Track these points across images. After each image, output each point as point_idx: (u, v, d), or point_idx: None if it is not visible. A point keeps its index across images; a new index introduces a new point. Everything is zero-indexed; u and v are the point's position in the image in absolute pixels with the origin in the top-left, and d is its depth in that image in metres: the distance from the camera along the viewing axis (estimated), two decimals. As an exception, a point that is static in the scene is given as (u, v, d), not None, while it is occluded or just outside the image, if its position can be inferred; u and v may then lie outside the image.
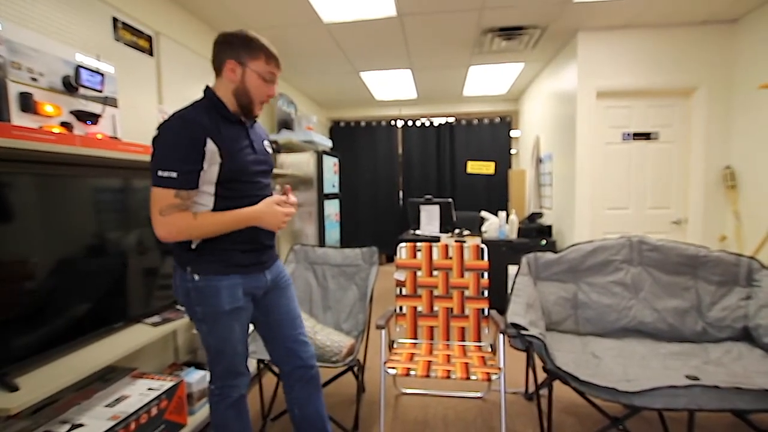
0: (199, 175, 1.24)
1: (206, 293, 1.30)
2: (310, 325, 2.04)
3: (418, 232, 3.88)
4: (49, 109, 1.52)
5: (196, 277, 1.30)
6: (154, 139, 1.22)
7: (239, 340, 1.41)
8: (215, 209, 1.30)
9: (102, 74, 1.75)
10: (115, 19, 2.14)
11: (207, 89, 1.33)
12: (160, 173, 1.18)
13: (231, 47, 1.29)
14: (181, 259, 1.33)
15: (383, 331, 1.94)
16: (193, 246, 1.30)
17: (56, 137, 1.38)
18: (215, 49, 1.32)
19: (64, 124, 1.59)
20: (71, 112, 1.64)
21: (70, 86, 1.63)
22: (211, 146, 1.23)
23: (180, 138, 1.20)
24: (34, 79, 1.50)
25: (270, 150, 1.52)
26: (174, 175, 1.18)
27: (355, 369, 1.99)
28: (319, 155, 4.04)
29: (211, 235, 1.28)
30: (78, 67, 1.64)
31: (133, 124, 2.18)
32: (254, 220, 1.33)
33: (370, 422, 2.08)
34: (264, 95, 1.35)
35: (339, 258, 2.42)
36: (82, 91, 1.68)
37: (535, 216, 4.04)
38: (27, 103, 1.44)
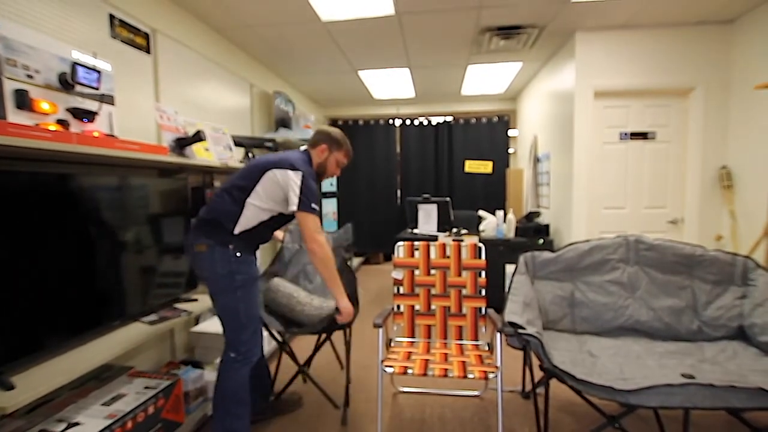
0: None
1: (246, 263, 1.74)
2: (305, 294, 2.20)
3: (415, 231, 3.89)
4: (45, 106, 1.51)
5: (239, 254, 1.71)
6: (302, 182, 1.70)
7: (259, 306, 1.85)
8: (255, 224, 1.75)
9: (99, 72, 1.74)
10: (111, 17, 2.13)
11: (306, 152, 1.89)
12: (314, 206, 1.72)
13: (329, 138, 1.90)
14: (223, 239, 1.69)
15: (381, 330, 1.94)
16: (237, 231, 1.70)
17: (52, 135, 1.37)
18: (319, 133, 1.92)
19: (60, 122, 1.58)
20: (67, 110, 1.62)
21: (66, 83, 1.62)
22: None
23: (314, 184, 1.77)
24: (30, 77, 1.49)
25: None
26: (318, 209, 1.74)
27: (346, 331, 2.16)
28: (317, 154, 4.03)
29: (326, 270, 1.78)
30: (74, 65, 1.63)
31: (130, 121, 2.18)
32: (340, 301, 1.82)
33: (367, 420, 2.08)
34: (332, 174, 1.98)
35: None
36: (78, 88, 1.67)
37: (532, 215, 4.05)
38: (23, 101, 1.43)
